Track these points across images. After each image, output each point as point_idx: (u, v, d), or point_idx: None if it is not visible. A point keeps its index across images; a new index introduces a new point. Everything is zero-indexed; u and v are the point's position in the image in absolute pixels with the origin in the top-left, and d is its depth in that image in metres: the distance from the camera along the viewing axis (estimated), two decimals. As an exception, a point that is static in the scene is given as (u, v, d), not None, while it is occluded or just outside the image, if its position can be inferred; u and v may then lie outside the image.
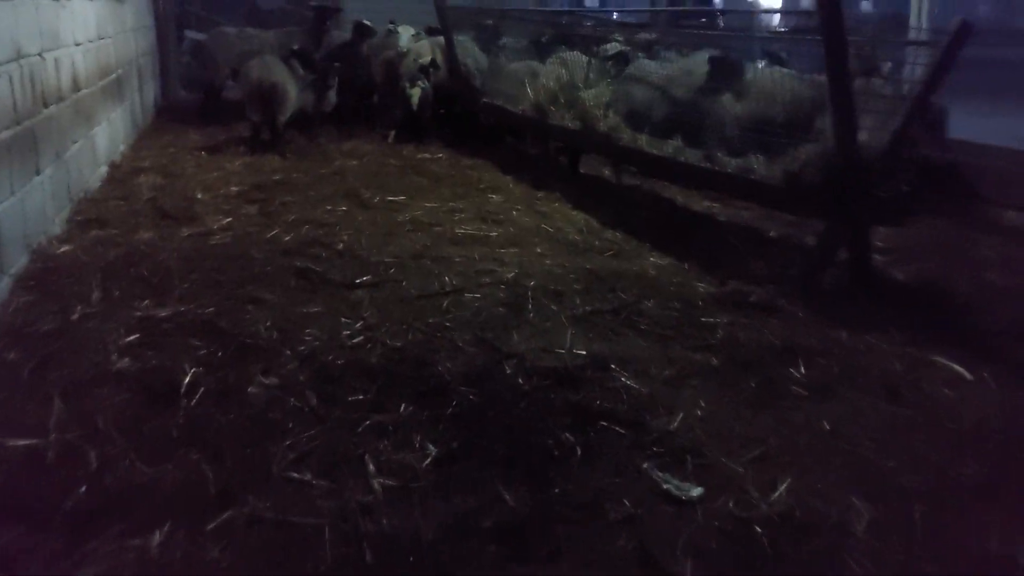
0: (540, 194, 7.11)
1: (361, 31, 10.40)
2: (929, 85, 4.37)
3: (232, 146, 8.63)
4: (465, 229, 5.96)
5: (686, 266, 5.13)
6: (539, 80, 8.14)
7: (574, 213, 6.52)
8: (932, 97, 4.51)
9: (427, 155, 8.82)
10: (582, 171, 7.99)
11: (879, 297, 4.47)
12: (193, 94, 11.94)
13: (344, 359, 3.76)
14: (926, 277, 4.88)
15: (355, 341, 3.96)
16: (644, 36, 8.21)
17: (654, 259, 5.31)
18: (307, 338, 3.98)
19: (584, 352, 3.82)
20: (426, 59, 9.38)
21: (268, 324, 4.12)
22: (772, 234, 5.94)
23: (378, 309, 4.36)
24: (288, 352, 3.82)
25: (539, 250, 5.50)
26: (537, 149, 9.18)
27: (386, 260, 5.19)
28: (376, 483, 2.86)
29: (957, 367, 3.65)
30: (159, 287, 4.55)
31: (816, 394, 3.43)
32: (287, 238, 5.60)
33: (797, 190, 4.65)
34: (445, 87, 9.82)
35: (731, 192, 5.81)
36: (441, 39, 9.80)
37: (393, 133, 9.51)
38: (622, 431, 3.18)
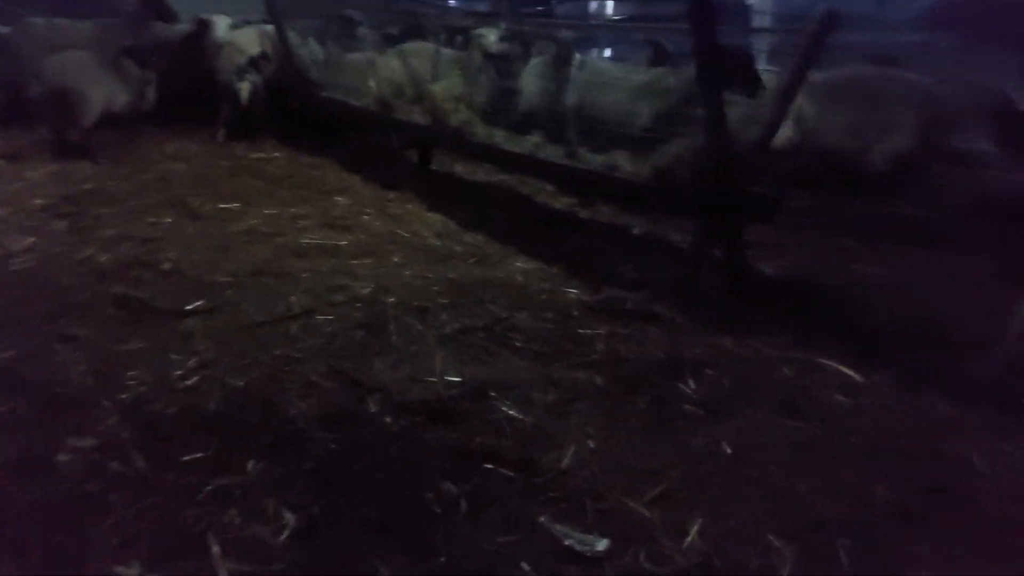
0: (391, 195, 6.63)
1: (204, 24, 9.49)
2: (797, 75, 4.22)
3: (36, 152, 7.60)
4: (311, 238, 5.41)
5: (554, 271, 4.80)
6: (382, 72, 7.65)
7: (430, 215, 6.08)
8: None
9: (262, 155, 8.13)
10: (434, 168, 7.54)
11: (756, 297, 4.30)
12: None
13: (176, 407, 3.18)
14: (797, 272, 4.78)
15: (188, 383, 3.37)
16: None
17: (520, 264, 4.96)
18: (130, 383, 3.36)
19: (458, 378, 3.41)
20: (254, 51, 8.66)
21: (82, 368, 3.47)
22: (636, 231, 5.73)
23: (214, 341, 3.77)
24: (107, 402, 3.19)
25: (396, 259, 5.03)
26: (384, 145, 8.67)
27: (221, 280, 4.58)
28: (223, 571, 2.34)
29: (846, 370, 3.50)
30: (-61, 328, 3.78)
31: (711, 412, 3.17)
32: (103, 259, 4.86)
33: (668, 188, 4.41)
34: (279, 80, 9.12)
35: (597, 191, 5.55)
36: (271, 29, 9.08)
37: (222, 131, 8.73)
38: (510, 473, 2.79)
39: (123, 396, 3.24)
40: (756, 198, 4.33)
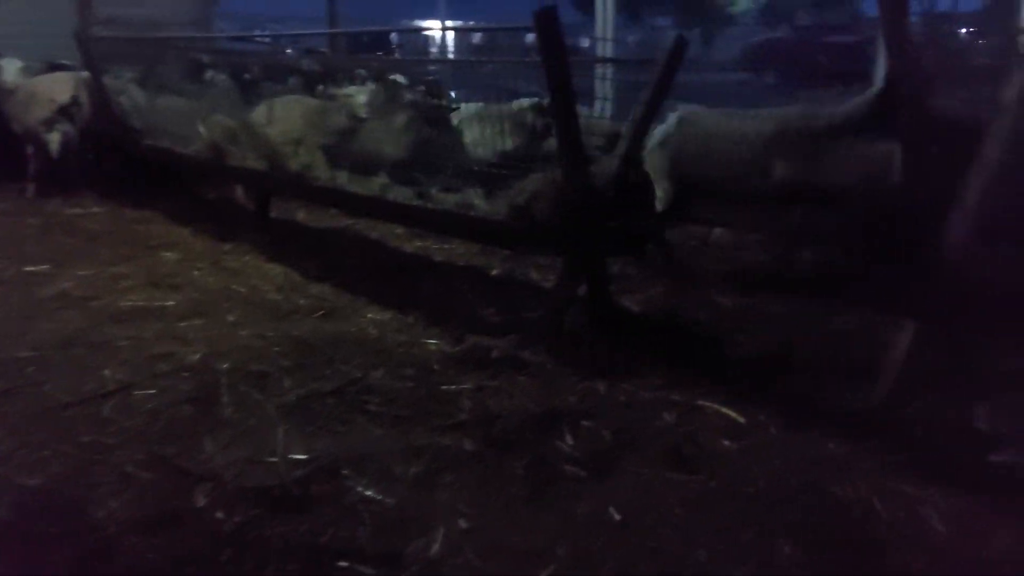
0: (226, 247, 6.05)
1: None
2: (651, 105, 4.05)
3: None
4: (132, 300, 4.78)
5: (411, 320, 4.40)
6: (213, 118, 7.06)
7: (270, 267, 5.55)
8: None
9: (79, 210, 7.36)
10: (274, 215, 6.99)
11: (624, 336, 4.04)
12: None
13: (-52, 524, 2.56)
14: (659, 305, 4.58)
15: (-33, 488, 2.75)
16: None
17: (373, 315, 4.53)
18: None
19: (304, 456, 2.93)
20: (64, 98, 7.87)
21: None
22: (495, 272, 5.42)
23: (8, 430, 3.14)
24: None
25: (231, 318, 4.49)
26: (218, 194, 8.04)
27: (22, 355, 3.92)
28: None
29: (727, 411, 3.26)
30: None
31: (594, 472, 2.84)
32: None
33: (526, 226, 4.11)
34: (97, 130, 8.35)
35: (453, 232, 5.19)
36: (85, 74, 8.30)
37: (32, 186, 7.87)
38: (370, 572, 2.35)
39: None
40: (618, 232, 4.10)
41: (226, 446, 3.01)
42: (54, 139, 7.61)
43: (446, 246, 5.93)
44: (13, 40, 8.90)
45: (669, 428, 3.13)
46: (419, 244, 6.10)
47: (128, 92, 8.27)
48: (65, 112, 7.80)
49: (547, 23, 3.75)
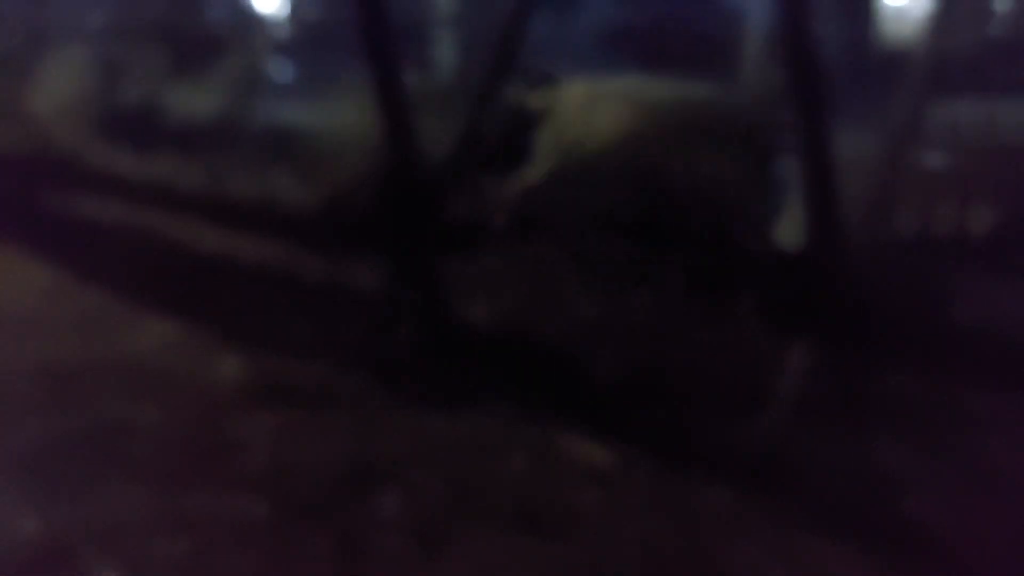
0: (-27, 241, 4.95)
1: None
2: (495, 75, 3.47)
3: None
4: None
5: (201, 340, 3.60)
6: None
7: (23, 271, 4.53)
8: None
9: None
10: (46, 202, 5.85)
11: (462, 356, 3.43)
12: None
13: None
14: (507, 315, 3.98)
15: None
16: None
17: (153, 331, 3.69)
18: None
19: (33, 525, 2.14)
20: None
21: None
22: (311, 278, 4.64)
23: None
24: None
25: None
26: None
27: None
28: None
29: (589, 449, 2.70)
30: None
31: (424, 544, 2.20)
32: None
33: (343, 220, 3.43)
34: None
35: (254, 226, 4.36)
36: None
37: None
38: None
39: None
40: (453, 227, 3.50)
41: None
42: None
43: (244, 240, 5.05)
44: None
45: (521, 476, 2.54)
46: (213, 237, 5.18)
47: None
48: None
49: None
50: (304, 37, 5.72)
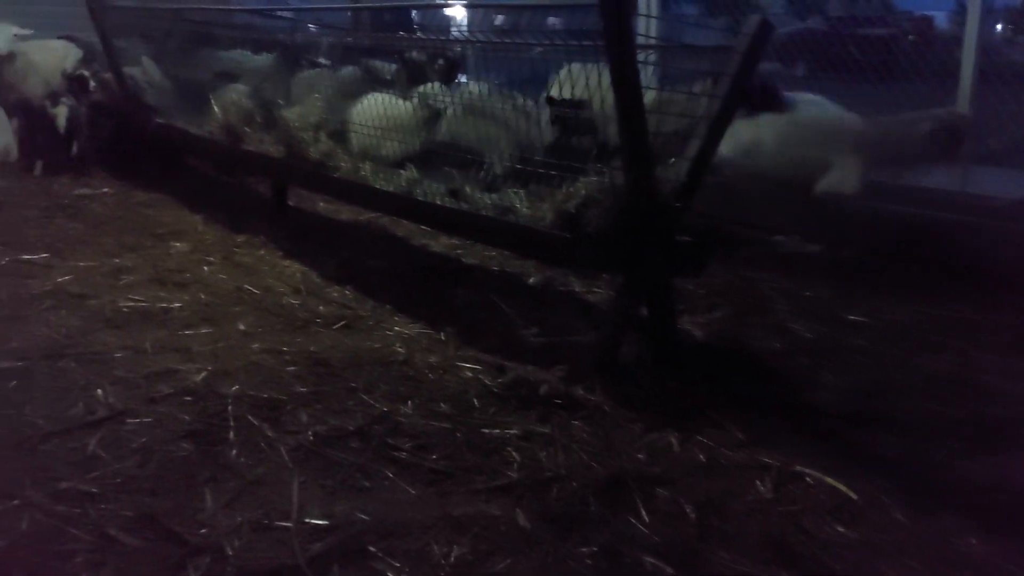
0: (239, 239, 5.58)
1: None
2: (729, 100, 3.51)
3: None
4: (134, 299, 4.32)
5: (442, 337, 3.91)
6: (229, 96, 6.57)
7: (287, 264, 5.08)
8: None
9: (87, 191, 6.91)
10: (291, 203, 6.50)
11: (690, 371, 3.51)
12: None
13: None
14: (725, 332, 4.04)
15: (-84, 551, 2.27)
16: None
17: (399, 329, 4.03)
18: None
19: (324, 521, 2.44)
20: (71, 69, 7.42)
21: None
22: (532, 280, 4.90)
23: (-28, 470, 2.68)
24: None
25: (242, 326, 4.01)
26: (233, 177, 7.56)
27: (3, 366, 3.46)
28: None
29: (833, 482, 2.65)
30: None
31: (680, 568, 2.26)
32: None
33: (579, 240, 3.59)
34: (107, 104, 7.89)
35: (487, 239, 4.63)
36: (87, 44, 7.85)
37: (40, 164, 7.41)
38: None
39: None
40: (687, 247, 3.59)
41: (230, 503, 2.53)
42: (60, 113, 7.15)
43: (477, 246, 5.41)
44: (12, 6, 8.39)
45: (765, 505, 2.57)
46: (447, 243, 5.58)
47: (143, 66, 7.80)
48: (73, 85, 7.34)
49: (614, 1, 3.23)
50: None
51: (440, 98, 5.47)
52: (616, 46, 3.31)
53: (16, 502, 2.50)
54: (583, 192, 3.74)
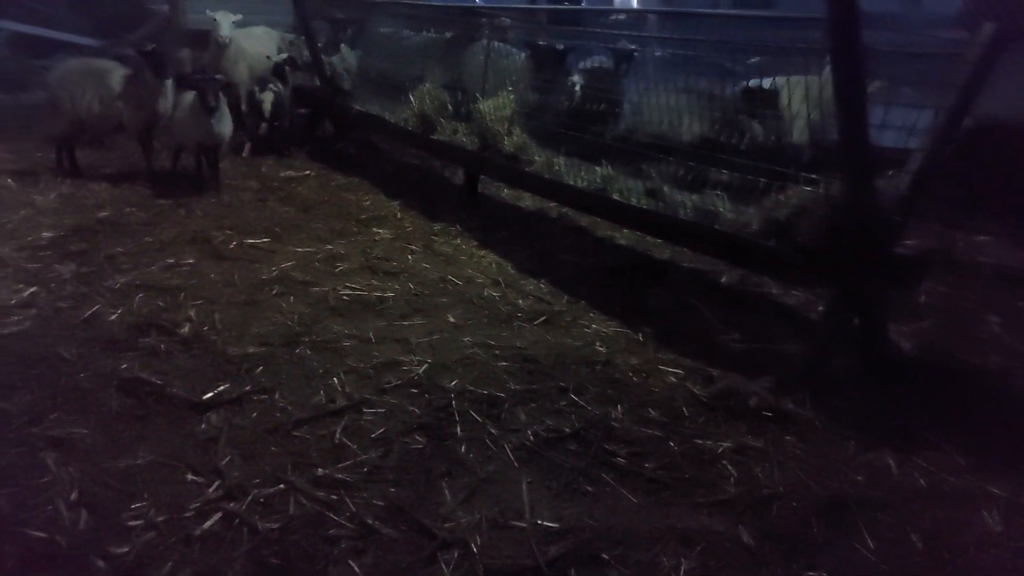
0: (436, 227, 5.87)
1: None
2: (958, 111, 3.41)
3: (48, 169, 6.89)
4: (352, 288, 4.66)
5: (640, 337, 4.03)
6: (424, 86, 6.87)
7: (482, 255, 5.32)
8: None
9: (291, 172, 7.40)
10: (480, 191, 6.75)
11: (901, 385, 3.47)
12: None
13: (188, 571, 2.43)
14: (932, 345, 3.93)
15: (206, 526, 2.62)
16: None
17: (597, 327, 4.18)
18: (132, 523, 2.62)
19: (555, 524, 2.62)
20: (277, 56, 7.94)
21: (71, 496, 2.73)
22: (725, 280, 4.92)
23: (240, 451, 3.03)
24: (100, 562, 2.45)
25: (452, 318, 4.27)
26: (422, 161, 7.92)
27: (249, 351, 3.84)
28: None
29: None
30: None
31: None
32: (112, 317, 4.15)
33: (794, 251, 3.59)
34: (307, 91, 8.43)
35: (688, 243, 4.63)
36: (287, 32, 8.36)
37: (248, 146, 8.01)
38: None
39: (121, 551, 2.49)
40: (901, 260, 3.53)
41: (467, 499, 2.75)
42: (267, 98, 7.67)
43: (661, 240, 5.45)
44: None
45: (995, 539, 2.56)
46: (631, 235, 5.66)
47: (341, 54, 8.24)
48: (280, 71, 7.86)
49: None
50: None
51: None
52: (842, 44, 3.27)
53: (282, 486, 2.82)
54: (794, 201, 3.75)
